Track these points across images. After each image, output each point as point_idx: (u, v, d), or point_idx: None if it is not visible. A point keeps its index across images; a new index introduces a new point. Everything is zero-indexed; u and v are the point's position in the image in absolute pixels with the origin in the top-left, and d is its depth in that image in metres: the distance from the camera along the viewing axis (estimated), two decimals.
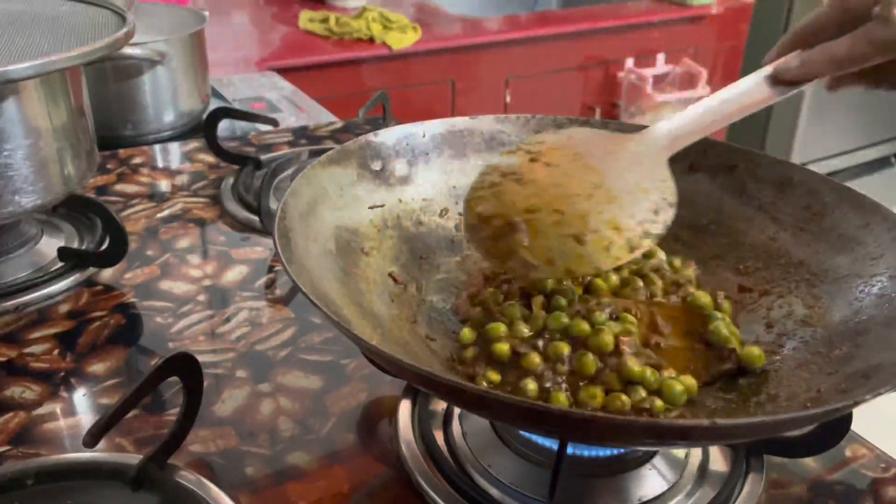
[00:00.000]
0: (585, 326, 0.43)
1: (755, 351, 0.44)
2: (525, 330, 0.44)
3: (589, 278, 0.48)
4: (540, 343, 0.44)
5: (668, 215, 0.44)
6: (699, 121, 0.47)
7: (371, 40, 1.52)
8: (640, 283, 0.48)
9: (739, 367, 0.44)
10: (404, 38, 1.53)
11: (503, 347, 0.43)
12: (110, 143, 0.89)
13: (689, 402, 0.42)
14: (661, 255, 0.52)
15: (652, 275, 0.50)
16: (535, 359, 0.42)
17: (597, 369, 0.42)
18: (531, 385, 0.41)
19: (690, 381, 0.43)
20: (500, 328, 0.44)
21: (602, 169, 0.46)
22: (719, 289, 0.50)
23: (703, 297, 0.48)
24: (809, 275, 0.47)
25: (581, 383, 0.42)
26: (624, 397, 0.41)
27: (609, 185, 0.45)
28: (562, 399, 0.41)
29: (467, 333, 0.46)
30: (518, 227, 0.44)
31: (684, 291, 0.49)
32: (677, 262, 0.52)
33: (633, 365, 0.41)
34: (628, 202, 0.45)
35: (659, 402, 0.41)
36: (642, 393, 0.41)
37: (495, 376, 0.43)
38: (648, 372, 0.42)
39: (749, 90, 0.47)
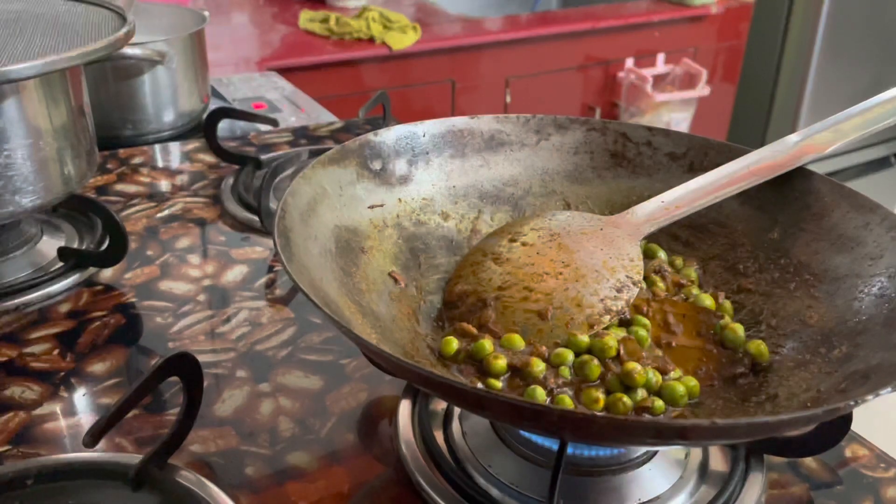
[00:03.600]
0: (584, 339, 0.44)
1: (761, 346, 0.44)
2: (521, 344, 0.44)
3: None
4: (544, 349, 0.44)
5: (631, 293, 0.46)
6: (673, 204, 0.50)
7: (371, 40, 1.51)
8: (644, 286, 0.48)
9: (751, 370, 0.44)
10: (404, 38, 1.53)
11: (500, 364, 0.43)
12: (110, 143, 0.89)
13: (689, 402, 0.42)
14: (662, 254, 0.52)
15: (654, 276, 0.50)
16: (539, 365, 0.42)
17: (600, 374, 0.42)
18: (540, 391, 0.41)
19: (692, 381, 0.43)
20: (486, 346, 0.44)
21: (574, 248, 0.49)
22: (719, 289, 0.50)
23: (706, 299, 0.48)
24: (809, 275, 0.47)
25: (583, 386, 0.42)
26: (626, 399, 0.41)
27: (578, 264, 0.48)
28: (567, 402, 0.41)
29: (452, 344, 0.45)
30: (488, 303, 0.47)
31: (687, 292, 0.49)
32: (679, 261, 0.52)
33: (635, 372, 0.41)
34: (593, 280, 0.47)
35: (659, 403, 0.41)
36: (643, 393, 0.41)
37: (496, 384, 0.43)
38: (651, 374, 0.42)
39: (726, 175, 0.50)
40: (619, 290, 0.46)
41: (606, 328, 0.45)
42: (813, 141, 0.51)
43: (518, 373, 0.43)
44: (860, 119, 0.51)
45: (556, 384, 0.42)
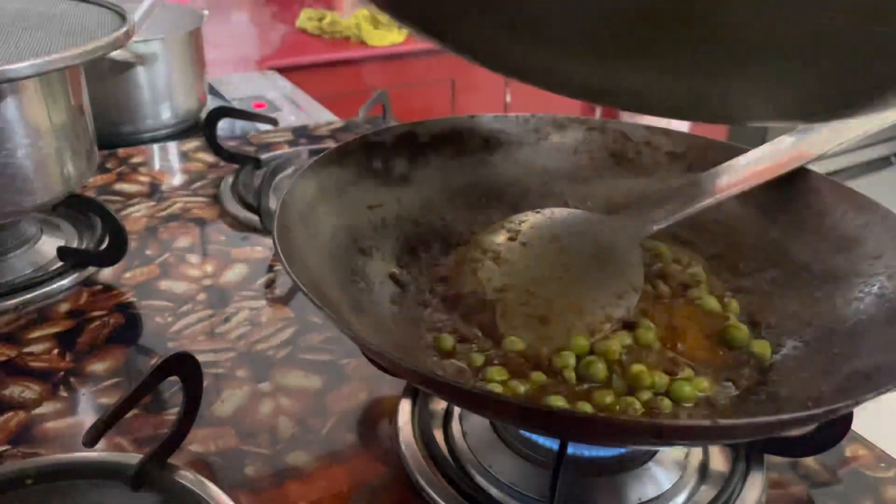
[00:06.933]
0: (583, 342, 0.43)
1: (765, 345, 0.44)
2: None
3: None
4: (545, 351, 0.44)
5: (631, 300, 0.46)
6: (677, 204, 0.50)
7: (359, 39, 1.51)
8: (650, 287, 0.48)
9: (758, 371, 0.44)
10: (386, 36, 1.52)
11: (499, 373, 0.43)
12: (110, 142, 0.89)
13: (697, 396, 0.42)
14: (667, 253, 0.52)
15: (656, 280, 0.49)
16: (541, 377, 0.42)
17: (606, 376, 0.42)
18: (559, 400, 0.41)
19: (704, 383, 0.42)
20: (478, 359, 0.44)
21: (574, 251, 0.48)
22: (718, 289, 0.50)
23: (712, 302, 0.48)
24: (809, 274, 0.47)
25: (592, 388, 0.42)
26: (637, 404, 0.40)
27: (578, 268, 0.47)
28: (587, 409, 0.41)
29: (447, 341, 0.45)
30: (487, 305, 0.46)
31: (692, 295, 0.48)
32: (685, 258, 0.51)
33: (642, 374, 0.41)
34: (594, 285, 0.46)
35: (667, 402, 0.41)
36: (650, 394, 0.41)
37: (496, 373, 0.42)
38: (657, 377, 0.42)
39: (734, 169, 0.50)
40: (619, 297, 0.46)
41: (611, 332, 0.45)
42: (812, 141, 0.51)
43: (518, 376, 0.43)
44: (860, 119, 0.51)
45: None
